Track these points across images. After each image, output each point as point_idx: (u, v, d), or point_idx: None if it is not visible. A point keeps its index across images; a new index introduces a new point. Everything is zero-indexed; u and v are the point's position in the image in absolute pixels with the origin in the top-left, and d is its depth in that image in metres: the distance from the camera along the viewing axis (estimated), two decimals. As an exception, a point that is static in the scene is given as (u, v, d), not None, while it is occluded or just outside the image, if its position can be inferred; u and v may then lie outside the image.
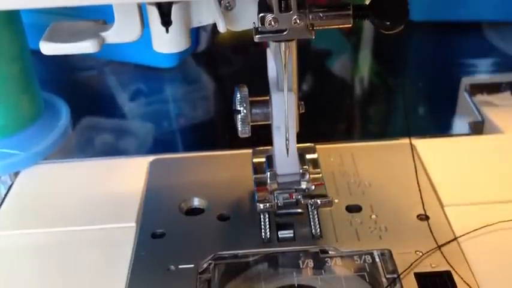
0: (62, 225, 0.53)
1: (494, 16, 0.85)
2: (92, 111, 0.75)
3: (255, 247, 0.49)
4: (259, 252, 0.49)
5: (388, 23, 0.42)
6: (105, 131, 0.74)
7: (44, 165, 0.60)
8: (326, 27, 0.42)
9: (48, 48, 0.41)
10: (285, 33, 0.42)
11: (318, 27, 0.42)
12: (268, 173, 0.51)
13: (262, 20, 0.41)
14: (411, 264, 0.47)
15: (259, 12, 0.41)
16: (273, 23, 0.41)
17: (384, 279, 0.46)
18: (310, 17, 0.41)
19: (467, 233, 0.49)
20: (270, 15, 0.40)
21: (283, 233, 0.50)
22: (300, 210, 0.52)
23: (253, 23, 0.42)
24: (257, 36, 0.42)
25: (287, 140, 0.49)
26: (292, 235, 0.50)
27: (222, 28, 0.42)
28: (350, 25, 0.42)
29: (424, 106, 0.79)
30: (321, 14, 0.42)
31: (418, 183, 0.55)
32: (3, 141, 0.59)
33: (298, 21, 0.41)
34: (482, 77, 0.76)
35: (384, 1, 0.42)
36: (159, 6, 0.40)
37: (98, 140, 0.72)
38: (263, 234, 0.50)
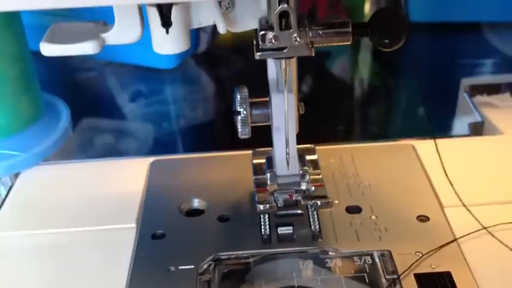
0: (62, 226, 0.53)
1: (494, 17, 0.85)
2: (92, 113, 0.76)
3: (255, 248, 0.49)
4: (259, 253, 0.49)
5: (387, 41, 0.42)
6: (105, 132, 0.74)
7: (45, 166, 0.61)
8: (326, 44, 0.43)
9: (48, 49, 0.41)
10: (285, 50, 0.42)
11: (317, 45, 0.43)
12: (268, 174, 0.51)
13: (263, 38, 0.41)
14: (411, 265, 0.47)
15: (260, 30, 0.41)
16: (273, 40, 0.41)
17: (384, 280, 0.46)
18: (310, 34, 0.42)
19: (467, 234, 0.49)
20: (270, 33, 0.41)
21: (283, 229, 0.50)
22: (299, 211, 0.52)
23: (253, 40, 0.42)
24: (258, 53, 0.42)
25: (287, 154, 0.49)
26: (291, 231, 0.50)
27: (222, 29, 0.42)
28: (349, 43, 0.43)
29: (424, 107, 0.79)
30: (320, 32, 0.42)
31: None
32: (3, 142, 0.59)
33: (298, 39, 0.41)
34: (482, 78, 0.76)
35: (383, 19, 0.43)
36: (159, 7, 0.41)
37: (98, 141, 0.72)
38: (263, 235, 0.50)
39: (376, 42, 0.43)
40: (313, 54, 0.43)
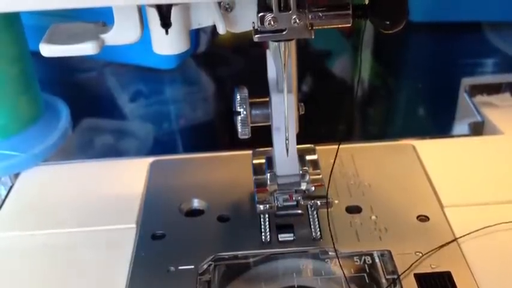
0: (62, 226, 0.53)
1: (494, 16, 0.85)
2: (92, 113, 0.76)
3: (255, 248, 0.49)
4: (259, 253, 0.49)
5: (388, 22, 0.42)
6: (105, 132, 0.74)
7: (44, 167, 0.61)
8: (325, 26, 0.42)
9: (48, 50, 0.41)
10: (284, 32, 0.42)
11: (317, 27, 0.42)
12: (268, 174, 0.51)
13: (261, 20, 0.41)
14: (411, 265, 0.47)
15: (258, 12, 0.41)
16: (272, 22, 0.41)
17: (384, 280, 0.46)
18: (310, 16, 0.41)
19: (467, 234, 0.49)
20: (269, 14, 0.41)
21: (284, 236, 0.50)
22: (299, 211, 0.52)
23: (253, 22, 0.42)
24: (256, 36, 0.42)
25: (287, 139, 0.49)
26: (292, 238, 0.50)
27: (221, 30, 0.42)
28: (349, 25, 0.42)
29: (424, 107, 0.79)
30: (320, 14, 0.42)
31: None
32: (3, 142, 0.59)
33: (297, 20, 0.41)
34: (482, 78, 0.76)
35: (384, 1, 0.42)
36: (158, 8, 0.41)
37: (98, 142, 0.72)
38: (263, 236, 0.50)
39: (377, 24, 0.42)
40: (313, 37, 0.42)
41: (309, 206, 0.51)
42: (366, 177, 0.57)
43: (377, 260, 0.48)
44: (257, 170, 0.53)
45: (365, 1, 0.43)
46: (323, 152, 0.55)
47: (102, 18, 0.44)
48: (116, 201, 0.56)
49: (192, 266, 0.48)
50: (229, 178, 0.57)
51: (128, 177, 0.59)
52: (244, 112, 0.48)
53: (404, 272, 0.46)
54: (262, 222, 0.51)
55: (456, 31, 0.85)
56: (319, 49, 0.86)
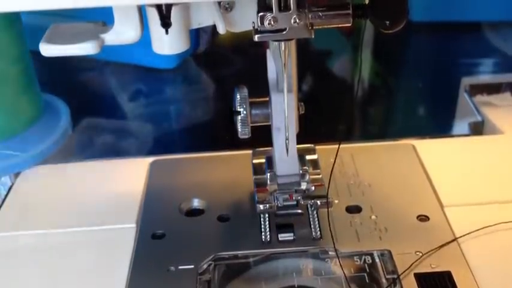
0: (62, 226, 0.53)
1: (494, 16, 0.85)
2: (92, 112, 0.76)
3: (255, 248, 0.49)
4: (259, 253, 0.49)
5: (388, 22, 0.42)
6: (105, 131, 0.74)
7: (44, 166, 0.61)
8: (325, 26, 0.42)
9: (48, 49, 0.41)
10: (284, 32, 0.42)
11: (317, 27, 0.42)
12: (268, 174, 0.51)
13: (261, 20, 0.41)
14: (411, 265, 0.47)
15: (258, 12, 0.41)
16: (272, 22, 0.41)
17: (384, 280, 0.46)
18: (310, 16, 0.42)
19: (467, 234, 0.49)
20: (269, 14, 0.41)
21: (284, 236, 0.50)
22: (300, 211, 0.52)
23: (253, 22, 0.42)
24: (257, 36, 0.42)
25: (287, 139, 0.49)
26: (292, 238, 0.50)
27: (221, 30, 0.42)
28: (349, 24, 0.42)
29: (424, 106, 0.79)
30: (320, 14, 0.42)
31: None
32: (3, 142, 0.59)
33: (297, 20, 0.41)
34: (482, 78, 0.76)
35: (384, 1, 0.42)
36: (158, 8, 0.41)
37: (98, 141, 0.72)
38: (263, 235, 0.50)
39: (377, 24, 0.42)
40: (313, 36, 0.42)
41: (309, 206, 0.51)
42: (366, 177, 0.57)
43: (377, 260, 0.48)
44: (257, 169, 0.53)
45: (365, 1, 0.43)
46: (323, 152, 0.55)
47: (102, 18, 0.44)
48: (115, 201, 0.56)
49: (192, 266, 0.48)
50: (229, 178, 0.57)
51: (128, 177, 0.59)
52: (244, 112, 0.48)
53: (404, 271, 0.46)
54: (262, 222, 0.51)
55: (456, 31, 0.85)
56: (319, 49, 0.86)
